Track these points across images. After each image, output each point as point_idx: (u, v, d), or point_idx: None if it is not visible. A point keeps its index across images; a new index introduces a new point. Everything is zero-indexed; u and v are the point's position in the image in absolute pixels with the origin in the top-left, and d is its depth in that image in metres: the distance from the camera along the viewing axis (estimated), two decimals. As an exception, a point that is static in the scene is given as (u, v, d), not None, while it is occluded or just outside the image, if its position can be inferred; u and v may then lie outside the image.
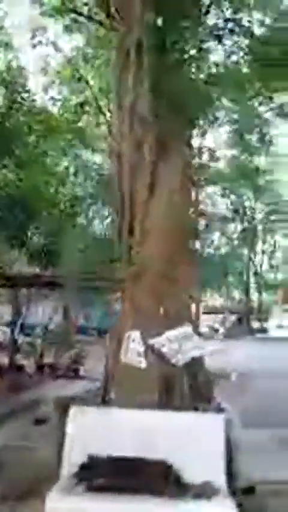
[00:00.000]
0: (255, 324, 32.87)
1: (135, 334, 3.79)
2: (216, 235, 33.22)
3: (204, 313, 35.02)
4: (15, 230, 11.06)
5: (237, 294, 37.26)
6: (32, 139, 11.27)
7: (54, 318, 13.19)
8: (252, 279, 33.42)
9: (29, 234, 11.71)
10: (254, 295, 34.41)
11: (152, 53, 4.21)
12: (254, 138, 27.77)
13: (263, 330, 31.19)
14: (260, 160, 29.82)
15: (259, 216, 32.62)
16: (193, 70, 4.51)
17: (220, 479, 2.99)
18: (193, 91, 4.29)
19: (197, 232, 4.48)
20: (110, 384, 3.89)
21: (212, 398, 3.88)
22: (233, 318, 32.64)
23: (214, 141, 25.84)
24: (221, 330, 29.58)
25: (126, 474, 2.94)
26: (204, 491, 2.81)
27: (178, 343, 3.75)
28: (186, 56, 4.29)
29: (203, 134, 4.67)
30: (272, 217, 32.36)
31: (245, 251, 32.07)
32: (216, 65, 5.18)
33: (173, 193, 4.32)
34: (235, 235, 32.67)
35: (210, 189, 30.75)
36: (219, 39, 4.26)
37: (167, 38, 4.03)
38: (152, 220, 4.20)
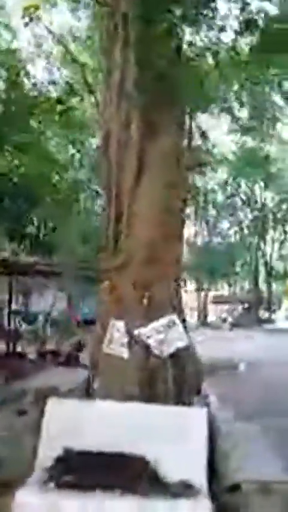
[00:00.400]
0: (264, 315, 32.55)
1: (119, 324, 3.63)
2: (225, 224, 32.88)
3: (213, 302, 34.88)
4: (15, 219, 10.97)
5: (246, 284, 36.91)
6: (33, 124, 11.07)
7: (58, 306, 13.17)
8: (262, 269, 33.01)
9: (28, 223, 11.59)
10: (264, 286, 34.02)
11: (139, 27, 3.96)
12: (264, 123, 27.26)
13: (271, 321, 30.85)
14: (271, 148, 29.17)
15: (270, 204, 31.99)
16: (185, 46, 4.24)
17: (200, 478, 2.85)
18: (182, 66, 4.04)
19: (183, 219, 4.24)
20: (94, 374, 3.75)
21: (202, 390, 3.71)
22: (241, 308, 32.39)
23: (219, 126, 25.36)
24: (229, 320, 29.36)
25: (100, 469, 2.81)
26: (182, 490, 2.66)
27: (163, 334, 3.58)
28: (177, 29, 4.02)
29: (192, 116, 4.29)
30: (284, 206, 31.74)
31: (255, 240, 31.59)
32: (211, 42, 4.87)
33: (162, 177, 4.09)
34: (245, 224, 32.24)
35: (218, 176, 30.48)
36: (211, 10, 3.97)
37: (154, 10, 3.77)
38: (140, 205, 4.00)
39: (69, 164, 11.86)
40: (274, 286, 35.00)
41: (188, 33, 4.12)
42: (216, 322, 30.45)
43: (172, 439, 2.96)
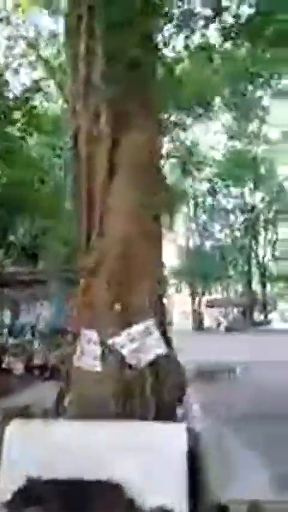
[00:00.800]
0: (259, 317, 32.32)
1: (91, 333, 3.31)
2: (216, 227, 32.73)
3: (207, 306, 34.61)
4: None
5: (240, 287, 36.70)
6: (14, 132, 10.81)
7: (45, 316, 12.74)
8: (256, 271, 32.85)
9: (13, 232, 11.29)
10: (258, 288, 33.83)
11: (106, 16, 3.71)
12: (252, 125, 27.32)
13: (267, 323, 30.61)
14: (259, 149, 29.21)
15: (260, 206, 31.93)
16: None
17: (181, 502, 2.54)
18: (154, 52, 3.79)
19: (159, 216, 3.94)
20: (65, 389, 3.42)
21: (185, 401, 3.39)
22: (236, 311, 32.12)
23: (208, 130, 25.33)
24: (223, 323, 29.07)
25: (69, 500, 2.49)
26: (159, 519, 2.36)
27: (139, 342, 3.27)
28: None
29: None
30: (274, 207, 31.68)
31: (247, 242, 31.45)
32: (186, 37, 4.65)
33: (136, 172, 3.81)
34: (236, 227, 32.11)
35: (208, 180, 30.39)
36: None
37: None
38: (113, 202, 3.71)
39: (51, 170, 11.59)
40: (268, 287, 34.84)
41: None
42: (211, 326, 30.16)
43: (149, 460, 2.65)
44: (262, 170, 29.81)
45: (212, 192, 30.49)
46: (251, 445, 3.14)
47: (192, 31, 4.72)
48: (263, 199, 31.80)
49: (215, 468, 2.78)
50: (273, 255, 33.19)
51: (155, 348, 3.31)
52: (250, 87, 17.79)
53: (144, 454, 2.66)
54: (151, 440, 2.74)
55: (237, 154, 27.60)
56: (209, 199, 31.72)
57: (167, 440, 2.73)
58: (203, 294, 34.83)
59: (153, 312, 3.42)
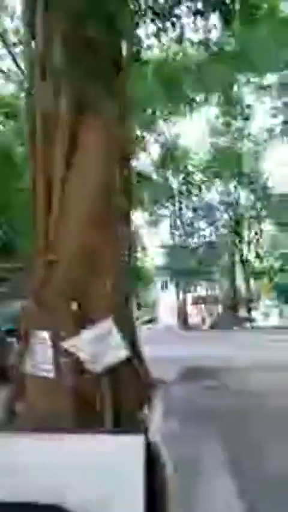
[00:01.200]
0: (244, 313, 32.38)
1: (44, 336, 3.00)
2: (201, 224, 32.62)
3: (192, 303, 34.54)
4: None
5: (225, 284, 36.72)
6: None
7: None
8: (240, 268, 32.88)
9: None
10: (243, 284, 33.87)
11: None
12: (237, 123, 27.25)
13: (251, 319, 30.68)
14: (243, 146, 29.16)
15: (244, 203, 31.93)
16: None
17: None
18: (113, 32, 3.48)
19: (128, 211, 3.65)
20: (15, 396, 3.10)
21: (151, 408, 3.11)
22: (220, 307, 32.11)
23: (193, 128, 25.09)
24: (208, 320, 29.01)
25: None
26: None
27: (97, 345, 2.98)
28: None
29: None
30: (258, 204, 31.72)
31: (231, 239, 31.44)
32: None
33: (97, 160, 3.51)
34: (221, 223, 32.06)
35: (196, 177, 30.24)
36: None
37: None
38: (72, 193, 3.40)
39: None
40: (253, 284, 34.93)
41: None
42: (195, 323, 30.08)
43: (101, 479, 2.36)
44: (246, 168, 29.77)
45: (197, 188, 30.38)
46: (220, 460, 2.87)
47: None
48: (247, 197, 31.80)
49: (176, 489, 2.50)
50: (256, 252, 33.28)
51: (116, 351, 3.02)
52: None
53: (96, 473, 2.37)
54: (105, 456, 2.45)
55: (221, 151, 27.49)
56: (194, 196, 31.58)
57: (124, 455, 2.45)
58: (188, 291, 34.72)
59: (114, 311, 3.12)
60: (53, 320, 3.02)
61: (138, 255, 40.42)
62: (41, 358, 2.96)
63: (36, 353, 2.98)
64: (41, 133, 3.50)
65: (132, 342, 3.39)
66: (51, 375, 2.92)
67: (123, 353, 3.00)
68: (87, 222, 3.28)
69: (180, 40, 6.78)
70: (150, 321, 38.33)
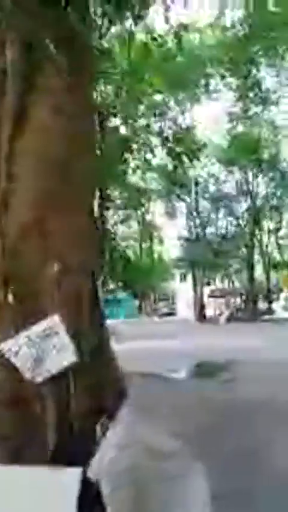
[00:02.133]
0: (263, 306, 31.35)
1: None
2: (219, 215, 31.63)
3: (210, 296, 33.73)
4: None
5: (244, 276, 35.69)
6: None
7: None
8: (259, 259, 31.79)
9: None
10: (262, 276, 32.79)
11: None
12: (255, 108, 25.96)
13: (271, 312, 29.64)
14: (262, 133, 27.88)
15: (264, 192, 30.63)
16: None
17: None
18: None
19: (93, 186, 3.03)
20: None
21: (106, 428, 2.51)
22: (239, 300, 31.18)
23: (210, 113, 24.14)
24: (226, 313, 28.18)
25: None
26: None
27: (39, 347, 2.41)
28: None
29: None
30: (278, 193, 30.40)
31: (250, 230, 30.32)
32: None
33: (54, 123, 2.90)
34: (239, 214, 30.98)
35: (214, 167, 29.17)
36: None
37: None
38: (21, 166, 2.82)
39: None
40: (272, 276, 33.76)
41: None
42: (213, 316, 29.33)
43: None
44: (265, 155, 28.46)
45: (214, 178, 29.40)
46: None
47: None
48: (267, 185, 30.50)
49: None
50: (277, 243, 32.07)
51: (62, 355, 2.44)
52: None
53: (28, 506, 1.83)
54: (34, 493, 1.89)
55: (239, 138, 26.32)
56: (211, 186, 30.59)
57: (59, 493, 1.88)
58: (207, 283, 33.94)
59: (61, 307, 2.53)
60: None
61: (156, 247, 39.82)
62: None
63: None
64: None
65: (98, 340, 2.80)
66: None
67: (70, 358, 2.42)
68: (40, 199, 2.70)
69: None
70: (169, 314, 37.78)
